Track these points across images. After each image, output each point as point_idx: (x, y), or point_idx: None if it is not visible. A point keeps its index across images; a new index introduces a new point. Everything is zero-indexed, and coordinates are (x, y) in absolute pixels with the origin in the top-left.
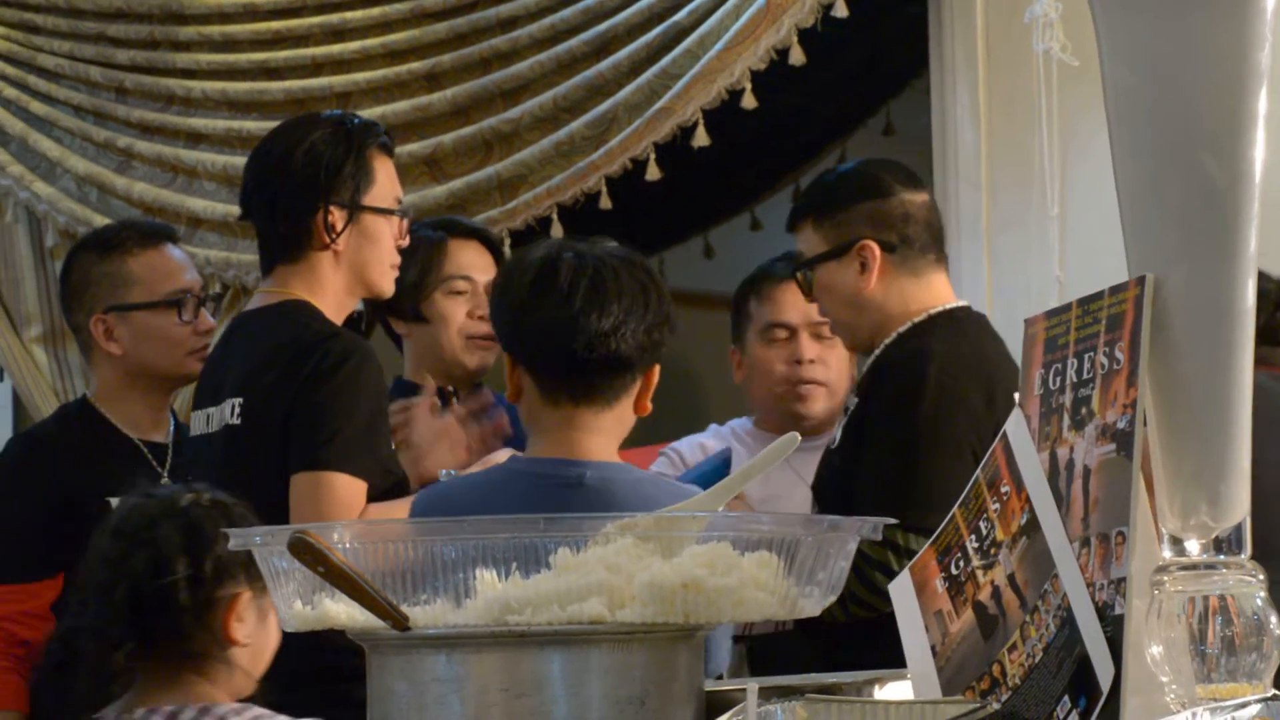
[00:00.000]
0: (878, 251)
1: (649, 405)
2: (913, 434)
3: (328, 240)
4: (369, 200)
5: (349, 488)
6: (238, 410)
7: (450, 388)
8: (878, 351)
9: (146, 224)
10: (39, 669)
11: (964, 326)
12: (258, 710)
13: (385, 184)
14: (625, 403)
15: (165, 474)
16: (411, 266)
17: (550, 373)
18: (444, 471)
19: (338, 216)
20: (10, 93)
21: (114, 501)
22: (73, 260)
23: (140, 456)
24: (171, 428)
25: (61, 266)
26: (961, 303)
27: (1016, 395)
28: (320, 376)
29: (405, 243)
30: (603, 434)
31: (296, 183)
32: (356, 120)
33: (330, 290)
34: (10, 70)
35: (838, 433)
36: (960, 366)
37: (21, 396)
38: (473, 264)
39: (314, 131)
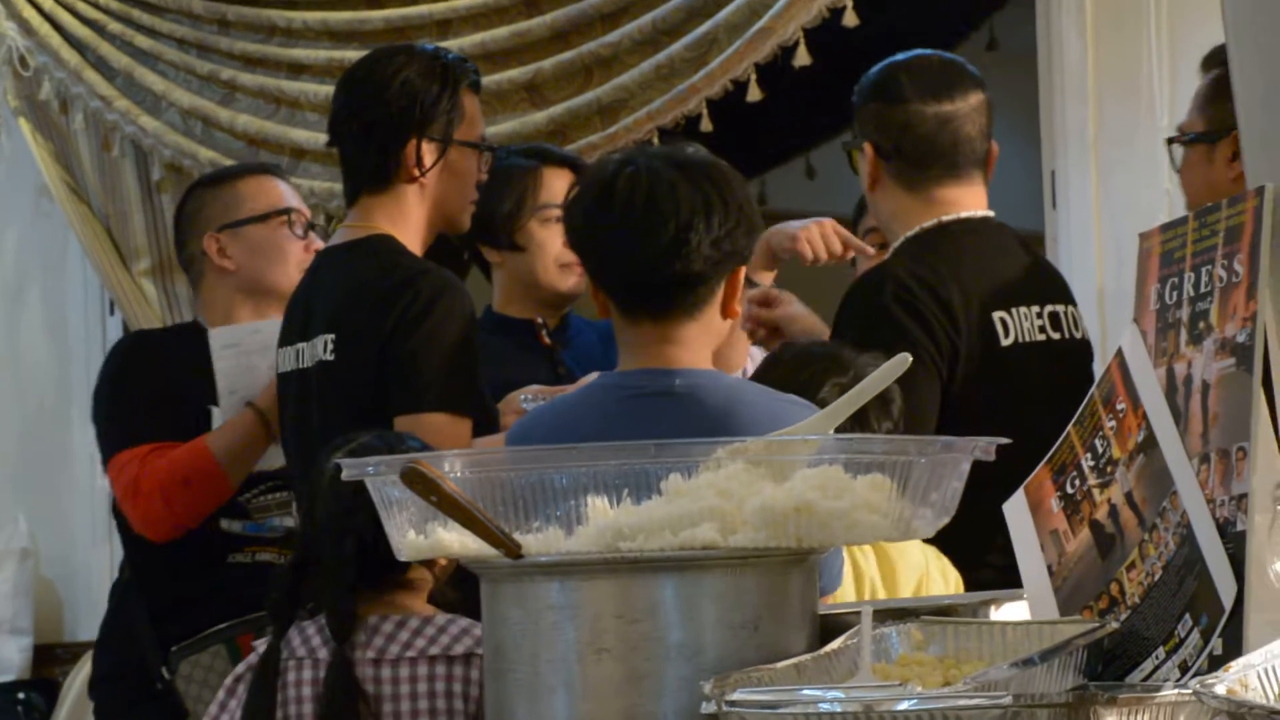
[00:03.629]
0: (872, 155)
1: (738, 309)
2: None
3: (416, 173)
4: (459, 136)
5: (452, 426)
6: (330, 346)
7: (540, 319)
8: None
9: (254, 162)
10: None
11: (952, 241)
12: (465, 621)
13: (474, 120)
14: (709, 312)
15: None
16: (506, 195)
17: (622, 293)
18: (523, 397)
19: (428, 150)
20: (115, 27)
21: (215, 411)
22: (187, 197)
23: None
24: None
25: (175, 210)
26: (964, 214)
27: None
28: (415, 318)
29: (485, 178)
30: (688, 346)
31: (390, 113)
32: (450, 55)
33: (413, 222)
34: (115, 5)
35: None
36: (917, 287)
37: (132, 329)
38: (565, 191)
39: (410, 64)
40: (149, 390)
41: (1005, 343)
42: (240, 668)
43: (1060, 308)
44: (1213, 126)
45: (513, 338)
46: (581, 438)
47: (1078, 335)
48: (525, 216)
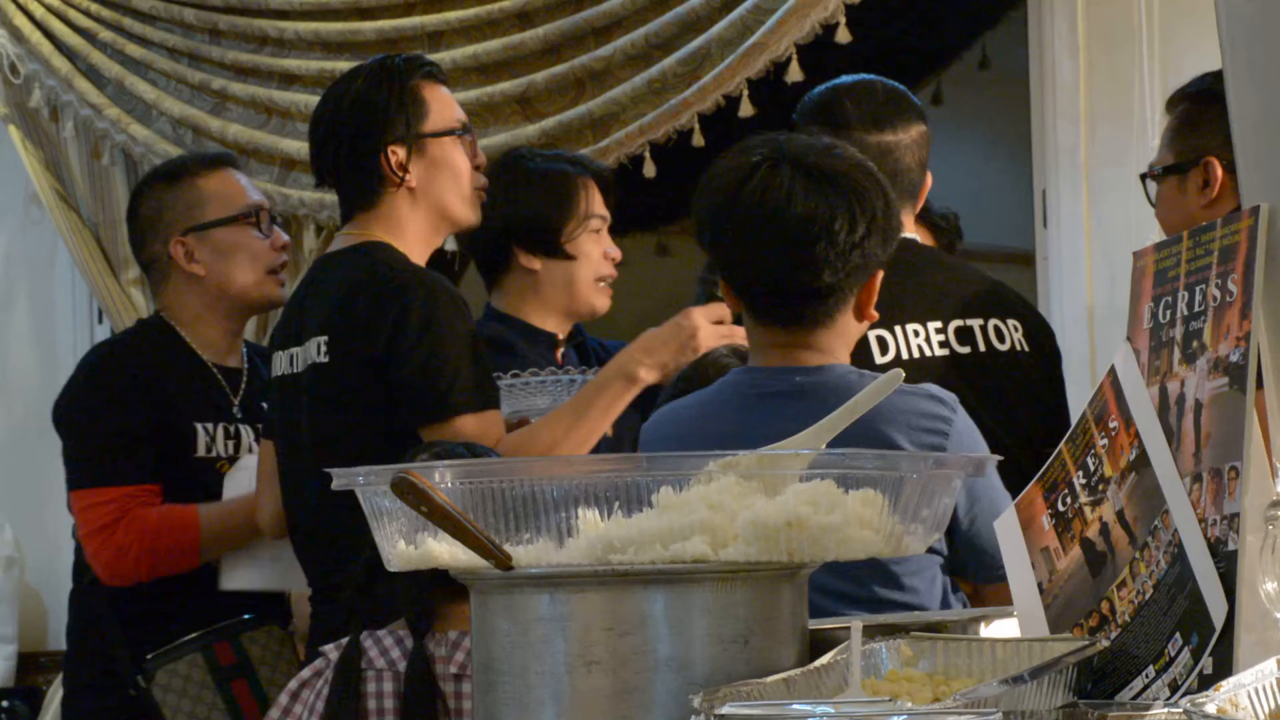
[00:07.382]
0: None
1: (874, 313)
2: None
3: (398, 179)
4: (427, 128)
5: (479, 424)
6: (324, 349)
7: (560, 335)
8: None
9: (207, 152)
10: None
11: None
12: None
13: (442, 110)
14: (843, 318)
15: (237, 401)
16: (558, 202)
17: (750, 297)
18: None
19: (400, 153)
20: (106, 35)
21: (200, 428)
22: (142, 193)
23: (214, 381)
24: (245, 355)
25: (129, 207)
26: None
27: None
28: (419, 324)
29: (482, 161)
30: (820, 351)
31: (352, 134)
32: (400, 58)
33: (410, 231)
34: (106, 13)
35: None
36: None
37: None
38: (602, 202)
39: (356, 80)
40: (126, 421)
41: (882, 360)
42: (306, 673)
43: (977, 322)
44: (1181, 159)
45: (536, 347)
46: (718, 432)
47: (1001, 347)
48: (578, 225)
